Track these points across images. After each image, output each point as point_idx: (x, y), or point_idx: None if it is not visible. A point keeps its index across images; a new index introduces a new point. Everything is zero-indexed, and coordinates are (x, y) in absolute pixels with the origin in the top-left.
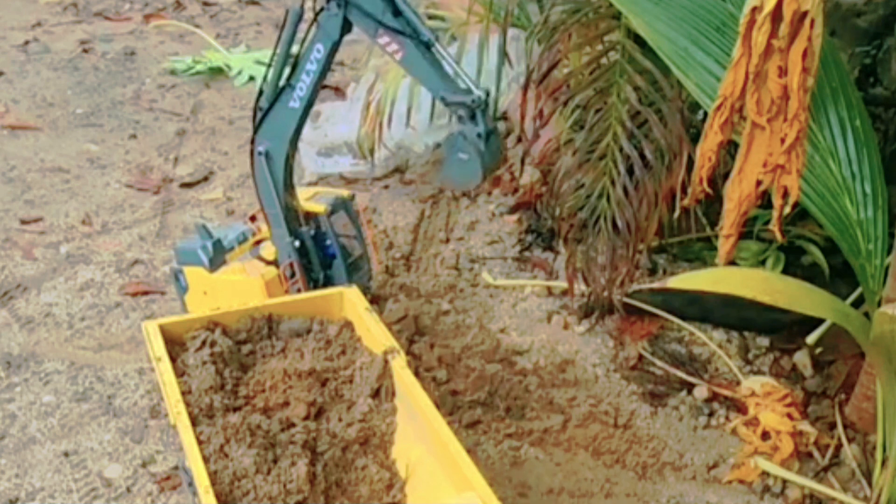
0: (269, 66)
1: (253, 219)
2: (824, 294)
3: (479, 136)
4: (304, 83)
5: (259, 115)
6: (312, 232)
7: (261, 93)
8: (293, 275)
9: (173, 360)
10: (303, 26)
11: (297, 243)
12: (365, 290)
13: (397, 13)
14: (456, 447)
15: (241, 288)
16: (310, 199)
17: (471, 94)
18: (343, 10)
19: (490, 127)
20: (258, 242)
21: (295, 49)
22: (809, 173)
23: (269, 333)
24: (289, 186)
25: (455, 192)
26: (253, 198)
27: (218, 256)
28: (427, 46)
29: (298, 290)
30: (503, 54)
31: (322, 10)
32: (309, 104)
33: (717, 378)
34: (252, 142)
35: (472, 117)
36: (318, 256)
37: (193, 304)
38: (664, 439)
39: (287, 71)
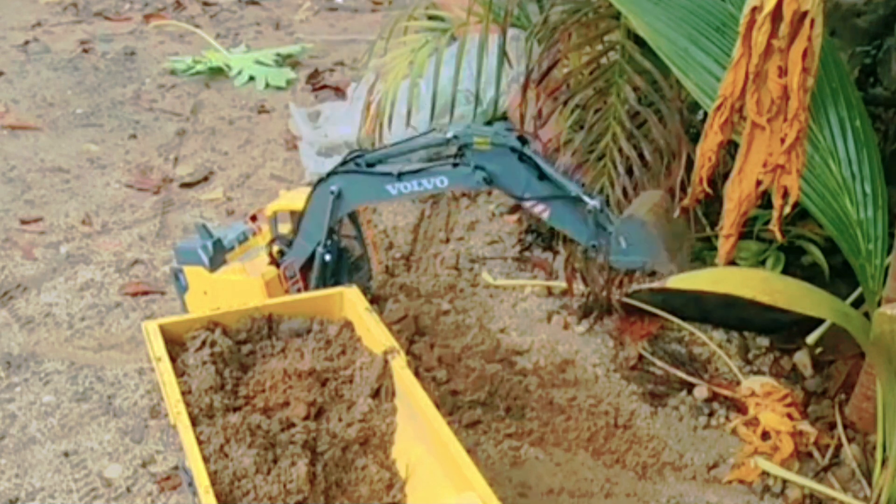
0: (397, 149)
1: (254, 218)
2: (824, 294)
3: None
4: (411, 188)
5: (352, 164)
6: (342, 243)
7: (366, 151)
8: (294, 275)
9: (173, 360)
10: None
11: (328, 257)
12: (365, 291)
13: (542, 177)
14: (456, 447)
15: (241, 288)
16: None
17: (610, 225)
18: (487, 184)
19: (614, 225)
20: (273, 241)
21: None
22: (809, 173)
23: (269, 333)
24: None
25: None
26: (253, 198)
27: (218, 256)
28: (573, 200)
29: (298, 290)
30: (503, 54)
31: (461, 159)
32: (402, 197)
33: (717, 378)
34: (327, 175)
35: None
36: (337, 265)
37: (193, 303)
38: (664, 439)
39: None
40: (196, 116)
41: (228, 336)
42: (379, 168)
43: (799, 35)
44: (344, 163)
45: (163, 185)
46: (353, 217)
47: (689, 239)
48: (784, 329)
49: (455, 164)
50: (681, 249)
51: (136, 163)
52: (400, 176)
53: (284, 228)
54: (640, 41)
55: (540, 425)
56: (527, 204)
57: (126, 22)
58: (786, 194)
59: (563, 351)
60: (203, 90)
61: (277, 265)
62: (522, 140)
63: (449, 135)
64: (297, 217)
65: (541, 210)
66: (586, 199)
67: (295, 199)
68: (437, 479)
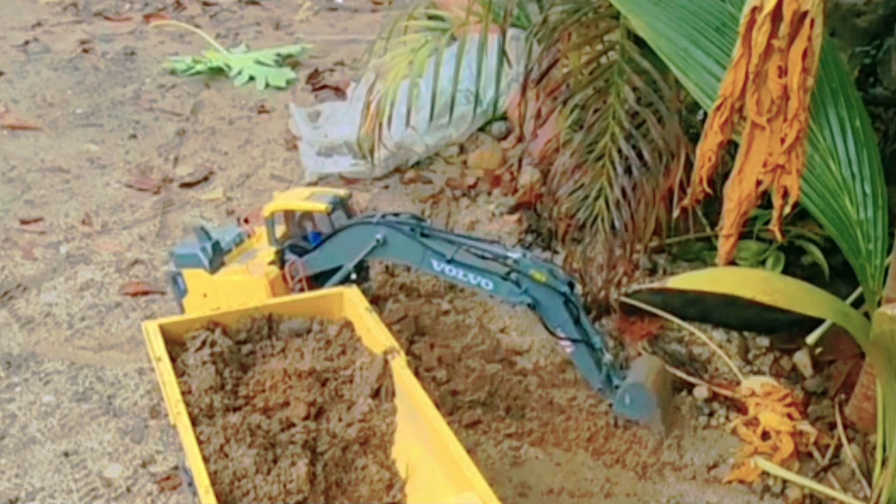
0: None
1: (247, 221)
2: (824, 294)
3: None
4: (454, 274)
5: (408, 227)
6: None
7: (423, 220)
8: (297, 274)
9: (173, 360)
10: None
11: (354, 276)
12: (365, 290)
13: (577, 321)
14: (456, 447)
15: (244, 288)
16: (307, 198)
17: (616, 378)
18: (528, 307)
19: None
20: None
21: None
22: (809, 173)
23: (269, 333)
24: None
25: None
26: (252, 198)
27: (217, 258)
28: (594, 350)
29: (301, 290)
30: (503, 54)
31: (513, 275)
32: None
33: (717, 378)
34: (374, 221)
35: (612, 387)
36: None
37: (193, 307)
38: (664, 439)
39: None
40: (196, 116)
41: (228, 336)
42: (432, 243)
43: (799, 35)
44: (399, 221)
45: (163, 185)
46: (350, 216)
47: (670, 400)
48: (784, 329)
49: (504, 278)
50: (666, 410)
51: (136, 163)
52: (451, 261)
53: (279, 230)
54: (639, 41)
55: (540, 425)
56: (557, 335)
57: (126, 22)
58: (786, 194)
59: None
60: (203, 90)
61: (282, 265)
62: (571, 286)
63: (513, 255)
64: (292, 217)
65: (566, 345)
66: (606, 352)
67: (290, 199)
68: (437, 479)
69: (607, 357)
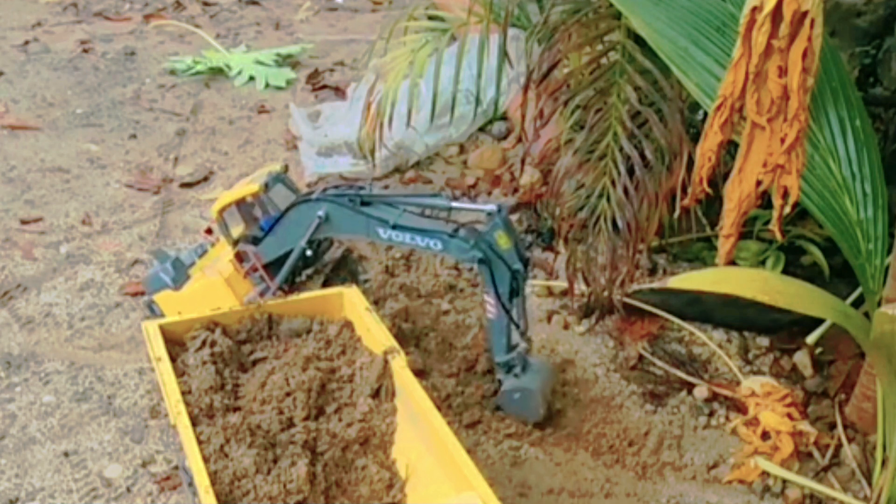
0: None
1: (209, 231)
2: (824, 294)
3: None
4: (402, 239)
5: (346, 199)
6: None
7: (360, 188)
8: (248, 258)
9: (173, 360)
10: None
11: (308, 252)
12: (365, 290)
13: (515, 294)
14: (456, 447)
15: (204, 293)
16: (247, 184)
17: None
18: (478, 263)
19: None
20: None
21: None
22: (809, 173)
23: (269, 333)
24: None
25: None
26: None
27: (180, 274)
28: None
29: (262, 279)
30: (503, 54)
31: (461, 232)
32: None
33: (717, 378)
34: (314, 198)
35: (509, 371)
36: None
37: None
38: (664, 439)
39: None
40: (196, 116)
41: (228, 336)
42: (375, 211)
43: (799, 35)
44: (338, 194)
45: (163, 185)
46: (292, 188)
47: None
48: (784, 329)
49: (452, 235)
50: (546, 405)
51: (136, 163)
52: (395, 223)
53: (236, 231)
54: (640, 41)
55: (540, 425)
56: (488, 295)
57: (126, 22)
58: (786, 194)
59: (563, 351)
60: (203, 90)
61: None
62: (525, 263)
63: (486, 208)
64: (244, 211)
65: (490, 308)
66: (524, 340)
67: (235, 191)
68: (437, 479)
69: (523, 345)
